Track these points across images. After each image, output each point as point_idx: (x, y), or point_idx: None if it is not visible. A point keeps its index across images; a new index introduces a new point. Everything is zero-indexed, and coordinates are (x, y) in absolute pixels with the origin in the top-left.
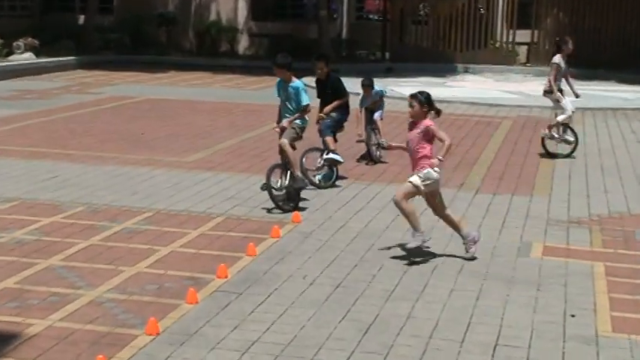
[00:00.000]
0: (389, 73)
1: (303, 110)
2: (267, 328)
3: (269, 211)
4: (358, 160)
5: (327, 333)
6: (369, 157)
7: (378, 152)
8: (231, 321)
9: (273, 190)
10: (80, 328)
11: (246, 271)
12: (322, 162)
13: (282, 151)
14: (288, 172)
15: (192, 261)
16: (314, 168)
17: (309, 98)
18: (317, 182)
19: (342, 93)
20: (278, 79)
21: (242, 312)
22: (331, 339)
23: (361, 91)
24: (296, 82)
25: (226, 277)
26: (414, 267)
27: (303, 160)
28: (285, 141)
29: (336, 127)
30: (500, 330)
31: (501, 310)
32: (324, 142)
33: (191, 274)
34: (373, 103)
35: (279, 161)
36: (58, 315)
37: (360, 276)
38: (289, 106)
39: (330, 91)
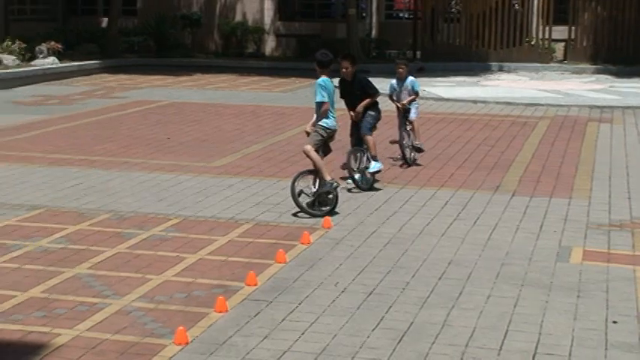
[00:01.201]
0: (420, 72)
1: (321, 109)
2: (298, 337)
3: (295, 215)
4: (395, 159)
5: (359, 342)
6: (402, 159)
7: (413, 154)
8: (261, 330)
9: (304, 195)
10: (108, 338)
11: (276, 278)
12: (363, 165)
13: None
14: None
15: (220, 268)
16: (355, 168)
17: (325, 96)
18: (359, 183)
19: (371, 91)
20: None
21: (272, 320)
22: (364, 348)
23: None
24: (319, 79)
25: (256, 284)
26: (449, 273)
27: (351, 159)
28: (308, 147)
29: (374, 125)
30: (539, 338)
31: (540, 317)
32: (366, 142)
33: (220, 281)
34: (405, 97)
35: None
36: (86, 325)
37: (394, 283)
38: (316, 104)
39: (359, 91)
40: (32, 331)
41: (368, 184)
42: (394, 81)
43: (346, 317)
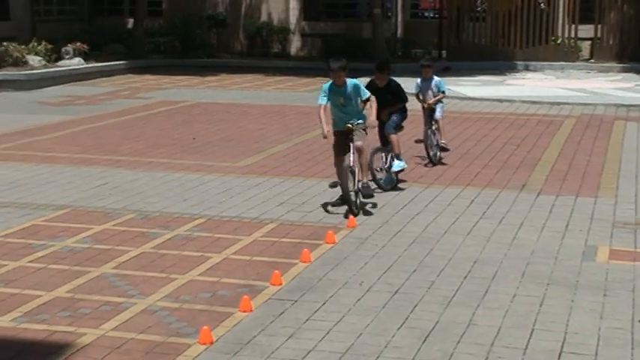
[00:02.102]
0: (446, 72)
1: (367, 102)
2: (323, 337)
3: (326, 208)
4: (421, 159)
5: (384, 341)
6: (427, 159)
7: (438, 153)
8: (285, 329)
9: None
10: (133, 338)
11: (300, 277)
12: (387, 164)
13: (359, 151)
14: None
15: (245, 268)
16: (378, 169)
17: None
18: (382, 184)
19: (403, 98)
20: (327, 83)
21: (297, 320)
22: (389, 347)
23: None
24: (351, 80)
25: (280, 284)
26: (475, 272)
27: (373, 159)
28: (360, 144)
29: (400, 125)
30: (565, 337)
31: (566, 316)
32: (390, 141)
33: (245, 281)
34: (430, 97)
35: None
36: (111, 324)
37: (419, 282)
38: (350, 108)
39: (390, 96)
40: (57, 331)
41: (392, 184)
42: (419, 80)
43: (371, 316)
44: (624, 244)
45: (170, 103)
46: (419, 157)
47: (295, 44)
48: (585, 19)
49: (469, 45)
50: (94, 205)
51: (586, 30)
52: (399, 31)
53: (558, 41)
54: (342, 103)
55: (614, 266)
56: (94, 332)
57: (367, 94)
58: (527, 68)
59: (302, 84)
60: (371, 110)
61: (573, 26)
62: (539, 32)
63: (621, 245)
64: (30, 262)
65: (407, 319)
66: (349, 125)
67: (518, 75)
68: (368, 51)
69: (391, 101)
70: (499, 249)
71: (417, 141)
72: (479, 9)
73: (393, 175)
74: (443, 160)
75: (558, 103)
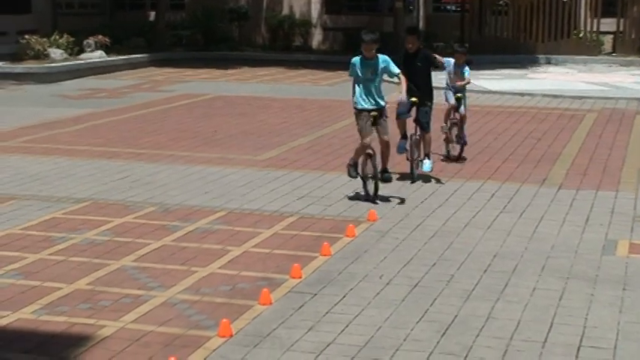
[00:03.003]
0: (468, 65)
1: (402, 76)
2: (343, 330)
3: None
4: (443, 160)
5: (404, 334)
6: (446, 154)
7: (461, 149)
8: (305, 322)
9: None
10: (153, 330)
11: (320, 271)
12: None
13: (385, 146)
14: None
15: (265, 261)
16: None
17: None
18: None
19: (434, 63)
20: (357, 57)
21: (317, 313)
22: (408, 340)
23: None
24: (382, 55)
25: (300, 277)
26: (494, 266)
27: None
28: (386, 138)
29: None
30: (584, 331)
31: (585, 310)
32: (425, 139)
33: (264, 274)
34: (456, 81)
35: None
36: (131, 317)
37: (438, 275)
38: (376, 83)
39: (420, 63)
40: (77, 323)
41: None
42: (453, 61)
43: (390, 309)
44: None
45: (191, 96)
46: (439, 154)
47: (317, 38)
48: (607, 13)
49: (491, 38)
50: (115, 198)
51: (608, 24)
52: (421, 24)
53: (580, 35)
54: (370, 77)
55: (634, 260)
56: (114, 324)
57: (397, 69)
58: (548, 62)
59: (323, 77)
60: (401, 86)
61: (595, 20)
62: (562, 26)
63: None
64: (50, 254)
65: (426, 312)
66: (374, 113)
67: (539, 69)
68: (390, 45)
69: (421, 68)
70: (519, 243)
71: (444, 134)
72: (501, 2)
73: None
74: (463, 155)
75: (580, 97)
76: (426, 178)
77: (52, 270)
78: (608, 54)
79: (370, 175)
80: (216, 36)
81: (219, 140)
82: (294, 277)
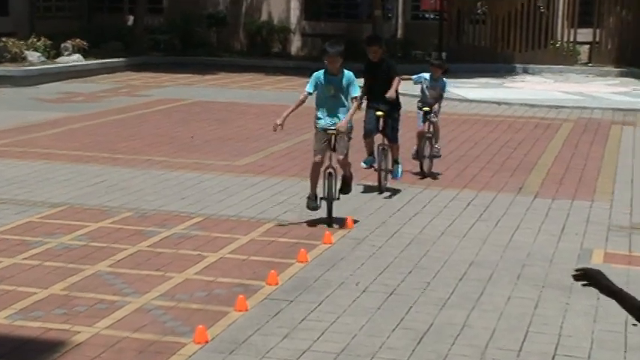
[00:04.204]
0: (446, 74)
1: (357, 102)
2: (318, 337)
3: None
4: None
5: (379, 342)
6: (420, 171)
7: (431, 163)
8: (281, 329)
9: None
10: (127, 336)
11: (297, 277)
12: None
13: (341, 165)
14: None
15: (241, 267)
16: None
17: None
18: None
19: (395, 72)
20: (320, 71)
21: (292, 320)
22: (384, 348)
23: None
24: (348, 72)
25: (277, 283)
26: (470, 274)
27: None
28: (342, 158)
29: (397, 130)
30: (559, 339)
31: (560, 318)
32: (392, 150)
33: (241, 280)
34: (432, 96)
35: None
36: (105, 322)
37: (414, 283)
38: (339, 101)
39: (384, 75)
40: (52, 329)
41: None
42: (428, 75)
43: (366, 317)
44: (619, 248)
45: (169, 102)
46: (410, 171)
47: (296, 44)
48: (584, 24)
49: (469, 47)
50: (91, 203)
51: (585, 34)
52: (400, 32)
53: (557, 45)
54: (333, 94)
55: (609, 269)
56: (89, 330)
57: (356, 93)
58: (526, 71)
59: (302, 84)
60: (351, 110)
61: (572, 30)
62: (539, 36)
63: (616, 249)
64: (25, 259)
65: (402, 320)
66: (332, 131)
67: (517, 78)
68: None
69: (384, 79)
70: (495, 251)
71: (415, 157)
72: (479, 12)
73: (391, 180)
74: (433, 170)
75: (556, 107)
76: (402, 187)
77: (26, 274)
78: (585, 64)
79: (325, 196)
80: (194, 41)
81: (197, 146)
82: (270, 284)
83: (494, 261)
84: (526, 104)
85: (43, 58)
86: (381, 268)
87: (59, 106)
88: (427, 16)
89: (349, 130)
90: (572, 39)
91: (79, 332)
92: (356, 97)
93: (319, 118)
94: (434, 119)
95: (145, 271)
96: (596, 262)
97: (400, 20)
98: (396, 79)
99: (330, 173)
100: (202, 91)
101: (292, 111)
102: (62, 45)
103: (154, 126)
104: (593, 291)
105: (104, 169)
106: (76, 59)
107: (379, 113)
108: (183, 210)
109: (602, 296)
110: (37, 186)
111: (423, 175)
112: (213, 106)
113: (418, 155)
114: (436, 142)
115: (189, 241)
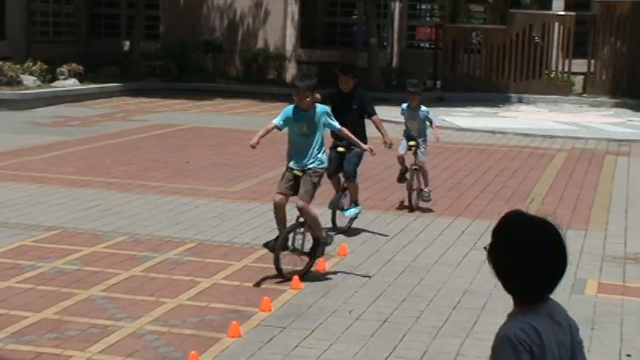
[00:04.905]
0: (440, 102)
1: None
2: None
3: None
4: (398, 208)
5: None
6: (409, 204)
7: (420, 200)
8: (274, 356)
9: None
10: None
11: (290, 304)
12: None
13: (300, 212)
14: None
15: (235, 293)
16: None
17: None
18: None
19: (371, 111)
20: (290, 107)
21: (285, 347)
22: None
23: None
24: (322, 106)
25: (270, 310)
26: (464, 302)
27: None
28: (302, 204)
29: (358, 164)
30: None
31: None
32: (350, 187)
33: (234, 306)
34: (414, 127)
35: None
36: (98, 347)
37: (408, 311)
38: (309, 140)
39: (356, 106)
40: (44, 353)
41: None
42: (405, 105)
43: (359, 345)
44: (613, 278)
45: (164, 127)
46: (399, 203)
47: (291, 71)
48: (579, 54)
49: (464, 76)
50: (85, 227)
51: (579, 65)
52: (395, 60)
53: (552, 75)
54: (305, 132)
55: (603, 300)
56: (81, 355)
57: (338, 125)
58: (520, 101)
59: None
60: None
61: (567, 61)
62: (533, 66)
63: (610, 279)
64: (18, 282)
65: (395, 348)
66: (298, 172)
67: (511, 107)
68: (363, 80)
69: (357, 112)
70: (489, 280)
71: (401, 179)
72: (474, 41)
73: (347, 220)
74: (420, 205)
75: (550, 136)
76: (396, 215)
77: (19, 298)
78: (579, 94)
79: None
80: (190, 67)
81: (191, 171)
82: (263, 310)
83: (488, 289)
84: (520, 133)
85: (38, 82)
86: (375, 295)
87: (54, 130)
88: (422, 45)
89: (319, 174)
90: (566, 69)
91: (71, 357)
92: (340, 130)
93: (289, 156)
94: (420, 158)
95: (138, 296)
96: (590, 292)
97: (395, 49)
98: (376, 118)
99: (300, 223)
100: (198, 116)
101: (263, 136)
102: (58, 69)
103: (149, 151)
104: (587, 322)
105: (99, 194)
106: (71, 84)
107: (340, 150)
108: (177, 235)
109: (597, 326)
110: (30, 209)
111: (410, 208)
112: (208, 131)
113: (406, 184)
114: (426, 185)
115: (182, 266)
